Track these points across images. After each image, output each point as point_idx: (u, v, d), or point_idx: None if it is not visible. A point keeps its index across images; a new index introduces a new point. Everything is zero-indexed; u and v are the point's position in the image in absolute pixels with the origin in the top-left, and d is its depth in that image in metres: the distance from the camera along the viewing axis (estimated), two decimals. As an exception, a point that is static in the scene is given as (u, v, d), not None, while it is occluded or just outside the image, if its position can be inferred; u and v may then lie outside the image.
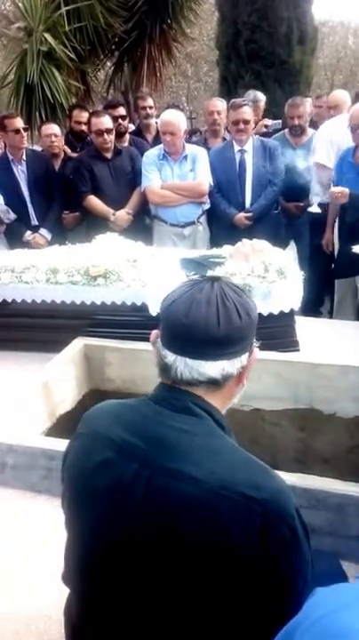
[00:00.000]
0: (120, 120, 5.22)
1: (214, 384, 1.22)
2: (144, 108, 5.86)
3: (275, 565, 1.08)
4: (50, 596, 1.79)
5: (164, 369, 1.23)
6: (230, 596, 1.09)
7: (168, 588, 1.11)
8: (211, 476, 1.10)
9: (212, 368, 1.20)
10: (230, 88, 9.86)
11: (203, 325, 1.17)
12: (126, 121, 5.40)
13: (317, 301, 5.22)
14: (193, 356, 1.19)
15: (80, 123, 5.77)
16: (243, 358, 1.24)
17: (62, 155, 5.42)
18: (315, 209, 4.47)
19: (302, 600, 1.14)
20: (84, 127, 5.64)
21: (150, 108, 5.86)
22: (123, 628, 1.20)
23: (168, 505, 1.10)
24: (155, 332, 1.28)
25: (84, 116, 5.71)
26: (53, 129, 5.36)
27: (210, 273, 3.34)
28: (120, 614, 1.19)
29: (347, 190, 4.01)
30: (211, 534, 1.06)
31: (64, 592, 1.37)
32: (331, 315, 5.16)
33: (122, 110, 5.35)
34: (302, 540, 1.12)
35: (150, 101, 5.87)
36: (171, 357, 1.21)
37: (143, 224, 5.13)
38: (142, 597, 1.15)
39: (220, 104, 5.42)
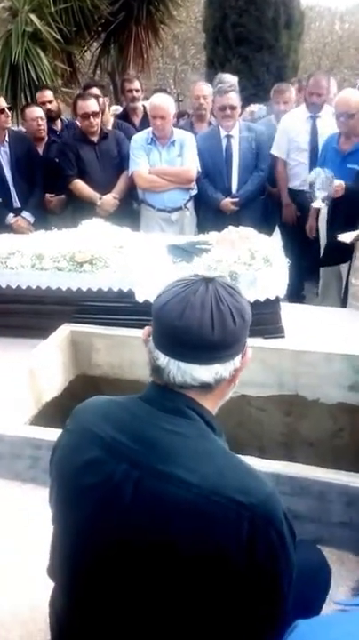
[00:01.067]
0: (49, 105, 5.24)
1: (207, 388, 1.20)
2: (130, 90, 5.79)
3: (262, 569, 1.08)
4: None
5: (157, 371, 1.21)
6: (217, 599, 1.09)
7: (154, 591, 1.11)
8: (202, 480, 1.09)
9: (205, 372, 1.18)
10: (217, 71, 9.71)
11: (197, 330, 1.15)
12: (99, 100, 5.25)
13: (300, 288, 5.23)
14: (186, 360, 1.17)
15: (44, 103, 5.68)
16: (236, 360, 1.22)
17: (46, 138, 5.35)
18: (319, 204, 4.48)
19: (288, 600, 1.16)
20: (50, 106, 5.60)
21: (137, 90, 5.79)
22: (108, 625, 1.20)
23: (158, 508, 1.10)
24: (147, 329, 1.26)
25: (47, 95, 5.64)
26: (39, 112, 5.27)
27: (196, 259, 3.34)
28: (105, 613, 1.18)
29: (343, 183, 4.02)
30: (201, 538, 1.06)
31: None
32: (314, 302, 5.19)
33: (96, 90, 5.30)
34: (289, 543, 1.12)
35: (137, 84, 5.80)
36: (163, 360, 1.19)
37: (130, 209, 5.10)
38: (128, 598, 1.14)
39: (206, 88, 5.39)
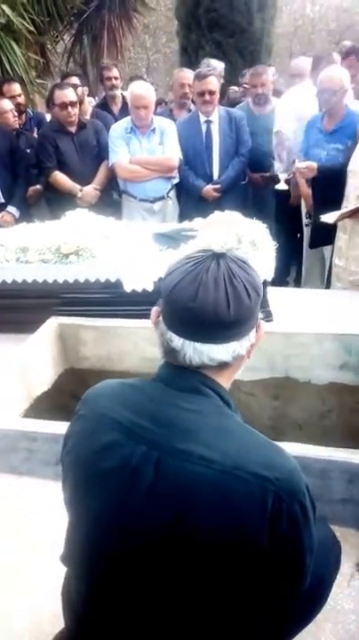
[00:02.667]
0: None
1: (224, 366, 1.19)
2: (109, 78, 5.72)
3: (285, 545, 1.08)
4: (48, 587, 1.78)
5: (171, 353, 1.19)
6: (240, 577, 1.09)
7: (176, 572, 1.11)
8: (224, 456, 1.08)
9: (223, 351, 1.16)
10: (191, 58, 9.72)
11: (213, 310, 1.11)
12: (78, 90, 5.16)
13: (284, 271, 5.24)
14: (202, 341, 1.15)
15: (14, 97, 5.61)
16: (251, 335, 1.20)
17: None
18: (281, 186, 4.46)
19: (308, 575, 1.17)
20: (19, 100, 5.53)
21: (116, 78, 5.72)
22: (127, 609, 1.19)
23: (180, 487, 1.09)
24: (155, 311, 1.23)
25: (14, 89, 5.57)
26: (8, 105, 5.14)
27: (183, 246, 3.34)
28: (124, 596, 1.18)
29: (313, 164, 4.00)
30: (225, 515, 1.06)
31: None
32: (296, 284, 5.20)
33: (75, 80, 5.26)
34: (311, 518, 1.12)
35: (116, 72, 5.73)
36: (178, 342, 1.16)
37: (111, 199, 5.07)
38: (148, 581, 1.14)
39: (191, 76, 5.29)
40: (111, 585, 1.19)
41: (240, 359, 1.21)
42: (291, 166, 4.21)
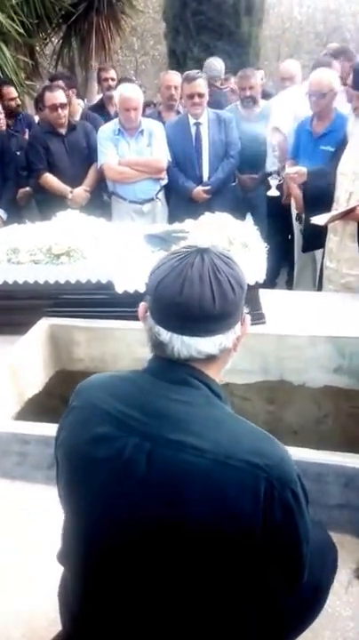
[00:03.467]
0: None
1: (211, 359, 1.20)
2: (106, 79, 5.75)
3: (279, 531, 1.09)
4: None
5: (159, 346, 1.21)
6: (236, 565, 1.09)
7: (171, 564, 1.11)
8: (215, 445, 1.09)
9: (210, 344, 1.18)
10: (179, 61, 9.74)
11: (198, 304, 1.14)
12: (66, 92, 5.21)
13: (274, 273, 5.24)
14: (189, 334, 1.17)
15: (12, 99, 5.59)
16: (237, 329, 1.22)
17: (4, 131, 5.24)
18: (273, 192, 4.47)
19: (306, 566, 1.17)
20: (14, 102, 5.52)
21: (112, 79, 5.77)
22: (122, 606, 1.19)
23: (173, 477, 1.09)
24: (143, 306, 1.25)
25: (11, 91, 5.56)
26: None
27: (174, 247, 3.33)
28: (120, 591, 1.18)
29: (303, 169, 4.00)
30: (218, 504, 1.07)
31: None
32: (288, 286, 5.20)
33: (61, 83, 5.20)
34: (304, 505, 1.14)
35: (113, 73, 5.78)
36: (165, 335, 1.18)
37: (101, 201, 5.06)
38: (143, 574, 1.14)
39: (176, 78, 5.32)
40: (105, 579, 1.19)
41: (227, 352, 1.23)
42: (282, 171, 4.22)
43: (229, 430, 1.14)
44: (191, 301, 1.14)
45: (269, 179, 4.51)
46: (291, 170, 4.07)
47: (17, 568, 1.96)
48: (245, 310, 1.26)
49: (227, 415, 1.19)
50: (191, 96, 4.62)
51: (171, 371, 1.20)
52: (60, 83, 5.21)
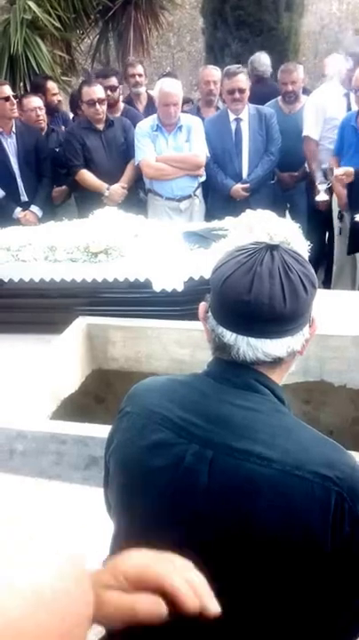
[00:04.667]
0: (109, 91, 5.03)
1: (278, 362, 1.13)
2: (133, 75, 5.62)
3: (350, 548, 1.02)
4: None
5: (222, 348, 1.14)
6: (304, 579, 1.03)
7: (231, 578, 1.04)
8: (284, 455, 1.03)
9: (278, 346, 1.10)
10: (217, 56, 9.64)
11: (268, 303, 1.06)
12: (116, 92, 5.22)
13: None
14: (256, 336, 1.09)
15: (55, 95, 5.58)
16: (306, 331, 1.15)
17: (46, 128, 5.21)
18: (322, 197, 4.39)
19: None
20: (54, 98, 5.50)
21: (140, 76, 5.63)
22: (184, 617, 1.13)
23: (238, 487, 1.03)
24: (203, 306, 1.19)
25: (53, 87, 5.54)
26: (37, 102, 5.10)
27: (213, 245, 3.26)
28: None
29: (351, 169, 3.91)
30: (286, 516, 1.00)
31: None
32: (325, 285, 5.11)
33: (114, 80, 5.17)
34: None
35: (140, 69, 5.64)
36: (230, 337, 1.11)
37: (137, 198, 5.01)
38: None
39: (216, 73, 5.24)
40: None
41: (293, 355, 1.16)
42: (329, 174, 4.14)
43: (298, 439, 1.07)
44: (260, 300, 1.06)
45: (317, 184, 4.44)
46: (338, 171, 3.98)
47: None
48: (313, 311, 1.17)
49: (294, 423, 1.12)
50: (231, 91, 4.55)
51: (234, 374, 1.14)
52: (113, 80, 5.18)
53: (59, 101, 5.59)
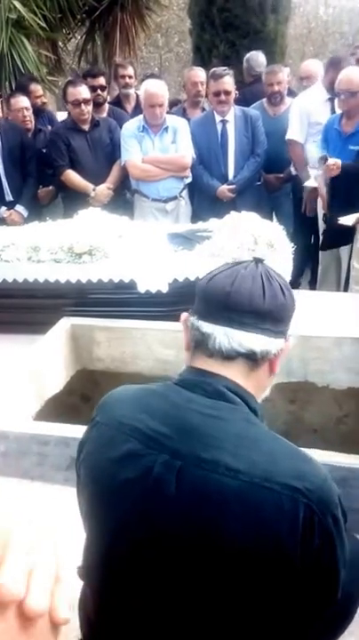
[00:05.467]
0: (99, 90, 5.06)
1: (252, 360, 1.15)
2: (124, 76, 5.63)
3: (318, 559, 1.02)
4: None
5: (201, 341, 1.17)
6: (271, 592, 1.02)
7: (198, 589, 1.04)
8: (251, 466, 1.02)
9: (253, 339, 1.14)
10: (204, 58, 9.65)
11: (248, 297, 1.14)
12: (105, 91, 5.23)
13: (298, 273, 5.17)
14: (234, 326, 1.14)
15: (38, 97, 5.55)
16: (281, 342, 1.18)
17: (33, 128, 5.18)
18: (311, 182, 4.41)
19: (340, 581, 1.10)
20: (38, 100, 5.47)
21: (130, 77, 5.63)
22: (145, 627, 1.13)
23: (205, 499, 1.03)
24: (184, 314, 1.24)
25: (39, 89, 5.51)
26: (24, 102, 5.05)
27: (198, 247, 3.27)
28: (142, 614, 1.12)
29: (339, 162, 3.94)
30: (254, 529, 1.00)
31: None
32: (311, 286, 5.13)
33: (102, 80, 5.18)
34: (342, 526, 1.07)
35: (131, 70, 5.65)
36: (208, 327, 1.16)
37: (123, 199, 5.00)
38: (168, 598, 1.08)
39: (202, 74, 5.25)
40: (131, 600, 1.13)
41: (266, 365, 1.18)
42: (321, 163, 4.14)
43: (267, 450, 1.07)
44: (241, 292, 1.14)
45: (308, 167, 4.44)
46: (331, 160, 3.99)
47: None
48: (290, 336, 1.24)
49: (264, 434, 1.12)
50: (217, 93, 4.55)
51: (205, 382, 1.15)
52: (101, 80, 5.18)
53: (44, 103, 5.54)
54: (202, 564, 1.02)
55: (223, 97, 4.54)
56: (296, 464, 1.06)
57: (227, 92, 4.55)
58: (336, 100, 4.64)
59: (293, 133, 4.85)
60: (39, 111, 5.64)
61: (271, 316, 1.15)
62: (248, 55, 6.25)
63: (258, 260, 1.22)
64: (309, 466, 1.08)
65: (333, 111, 4.71)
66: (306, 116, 4.80)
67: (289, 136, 4.86)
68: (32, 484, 2.33)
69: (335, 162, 3.94)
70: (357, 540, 1.54)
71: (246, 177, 4.72)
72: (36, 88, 5.65)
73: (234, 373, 1.16)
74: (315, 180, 4.40)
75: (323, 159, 4.03)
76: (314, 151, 4.61)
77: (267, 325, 1.15)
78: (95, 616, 1.24)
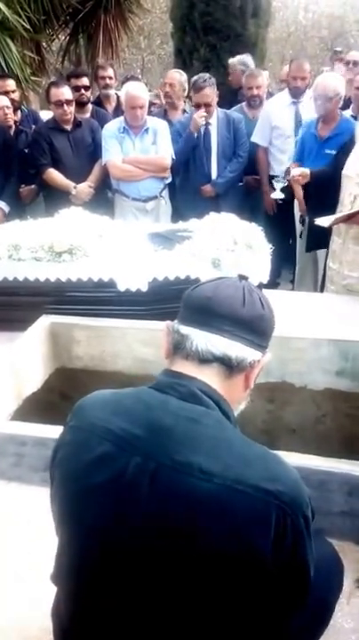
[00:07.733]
0: (83, 90, 5.11)
1: (227, 365, 1.17)
2: (104, 78, 5.71)
3: (290, 556, 1.04)
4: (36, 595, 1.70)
5: (179, 343, 1.20)
6: (240, 596, 1.04)
7: (172, 591, 1.05)
8: (225, 469, 1.04)
9: (230, 345, 1.17)
10: (185, 61, 9.70)
11: (228, 304, 1.18)
12: (89, 91, 5.28)
13: (276, 274, 5.22)
14: (212, 331, 1.17)
15: (7, 92, 5.50)
16: (257, 354, 1.21)
17: (14, 127, 5.17)
18: (277, 195, 4.47)
19: (310, 579, 1.13)
20: (13, 96, 5.41)
21: (110, 78, 5.72)
22: (118, 632, 1.13)
23: (177, 501, 1.04)
24: (168, 322, 1.28)
25: (10, 84, 5.45)
26: (4, 101, 5.03)
27: (177, 247, 3.29)
28: (116, 618, 1.12)
29: (307, 171, 3.98)
30: (227, 531, 1.01)
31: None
32: (292, 285, 5.18)
33: (85, 80, 5.25)
34: (311, 525, 1.09)
35: (111, 72, 5.73)
36: (187, 330, 1.19)
37: (105, 197, 5.03)
38: (142, 602, 1.08)
39: (177, 76, 5.33)
40: (104, 605, 1.12)
41: (241, 376, 1.21)
42: (286, 175, 4.22)
43: (240, 453, 1.09)
44: (221, 299, 1.19)
45: (273, 181, 4.53)
46: (295, 171, 4.05)
47: (10, 573, 1.89)
48: (267, 352, 1.26)
49: (237, 437, 1.14)
50: (198, 105, 4.68)
51: (179, 384, 1.16)
52: (84, 80, 5.23)
53: (15, 100, 5.44)
54: (175, 566, 1.03)
55: (203, 108, 4.64)
56: (269, 467, 1.08)
57: (208, 105, 4.66)
58: (299, 105, 4.76)
59: (255, 136, 5.04)
60: (15, 108, 5.58)
61: (250, 327, 1.18)
62: (239, 57, 6.39)
63: (242, 277, 1.27)
64: (281, 467, 1.10)
65: (297, 115, 4.81)
66: (267, 121, 4.94)
67: (251, 138, 5.03)
68: (8, 484, 2.31)
69: (301, 172, 3.98)
70: (329, 544, 1.57)
71: (229, 176, 4.84)
72: (6, 83, 5.44)
73: (209, 377, 1.17)
74: (280, 192, 4.47)
75: (287, 172, 4.10)
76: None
77: (245, 334, 1.18)
78: (69, 622, 1.23)
